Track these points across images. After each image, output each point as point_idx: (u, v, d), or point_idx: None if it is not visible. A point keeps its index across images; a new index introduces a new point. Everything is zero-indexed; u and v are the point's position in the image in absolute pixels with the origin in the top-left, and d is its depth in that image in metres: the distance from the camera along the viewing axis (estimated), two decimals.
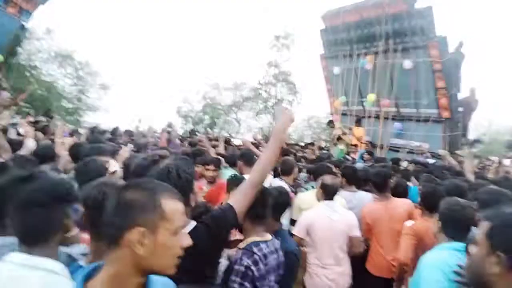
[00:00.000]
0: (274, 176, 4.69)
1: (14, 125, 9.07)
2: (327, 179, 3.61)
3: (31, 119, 11.79)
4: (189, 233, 1.61)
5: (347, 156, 9.86)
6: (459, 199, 2.44)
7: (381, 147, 12.02)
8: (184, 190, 1.67)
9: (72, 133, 7.98)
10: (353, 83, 12.83)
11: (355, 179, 4.53)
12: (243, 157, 4.51)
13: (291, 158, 5.20)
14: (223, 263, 2.23)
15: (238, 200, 1.91)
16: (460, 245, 2.08)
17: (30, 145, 4.36)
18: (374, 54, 12.05)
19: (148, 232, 1.05)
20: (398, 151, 11.63)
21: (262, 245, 2.21)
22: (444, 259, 2.01)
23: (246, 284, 2.05)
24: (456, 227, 2.22)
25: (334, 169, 4.65)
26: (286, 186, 3.70)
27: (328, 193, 3.57)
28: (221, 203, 4.59)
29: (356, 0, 12.53)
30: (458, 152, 11.11)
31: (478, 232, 1.38)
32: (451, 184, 3.46)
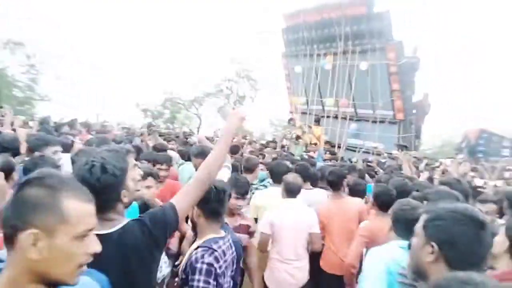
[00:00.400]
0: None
1: None
2: (289, 177, 3.67)
3: None
4: (119, 230, 1.59)
5: (306, 155, 10.01)
6: (411, 200, 2.57)
7: (339, 147, 12.30)
8: (110, 186, 1.60)
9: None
10: (313, 83, 13.03)
11: (309, 177, 4.58)
12: (199, 155, 4.44)
13: (254, 156, 5.25)
14: (164, 269, 2.19)
15: (182, 199, 1.82)
16: (406, 243, 2.17)
17: None
18: (333, 55, 12.28)
19: (44, 234, 0.94)
20: (354, 150, 11.95)
21: (220, 242, 2.20)
22: (388, 253, 2.12)
23: (211, 281, 2.01)
24: (405, 227, 2.29)
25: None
26: None
27: (290, 191, 3.63)
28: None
29: (317, 1, 12.73)
30: (411, 153, 11.62)
31: (418, 224, 1.49)
32: (397, 182, 3.60)
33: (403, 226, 2.30)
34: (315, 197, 4.33)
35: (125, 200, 1.68)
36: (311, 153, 10.54)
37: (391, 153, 11.04)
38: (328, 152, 9.22)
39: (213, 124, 24.37)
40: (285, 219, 3.53)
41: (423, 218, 1.46)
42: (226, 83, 23.56)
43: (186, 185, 1.88)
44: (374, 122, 11.96)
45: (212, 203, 2.19)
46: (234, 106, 23.53)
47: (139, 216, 1.71)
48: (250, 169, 4.47)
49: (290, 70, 14.06)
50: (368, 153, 11.52)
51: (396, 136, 11.54)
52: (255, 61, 22.98)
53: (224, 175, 2.04)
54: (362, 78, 11.72)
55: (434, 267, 1.38)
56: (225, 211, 2.37)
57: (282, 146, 11.72)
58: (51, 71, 21.90)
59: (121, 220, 1.65)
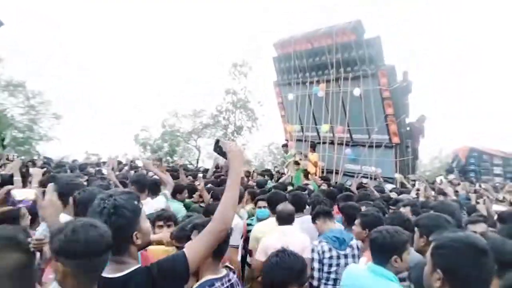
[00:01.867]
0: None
1: None
2: (279, 206, 3.93)
3: None
4: (127, 275, 1.56)
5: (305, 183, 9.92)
6: (389, 227, 2.59)
7: (336, 173, 12.20)
8: (121, 228, 1.59)
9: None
10: (307, 110, 13.06)
11: (302, 205, 4.66)
12: (134, 183, 4.42)
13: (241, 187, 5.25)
14: None
15: (196, 247, 1.75)
16: (376, 267, 2.35)
17: None
18: (326, 82, 12.35)
19: None
20: (352, 176, 11.84)
21: (217, 283, 2.13)
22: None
23: None
24: (378, 252, 2.41)
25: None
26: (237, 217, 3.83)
27: (282, 218, 3.86)
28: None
29: (306, 29, 12.93)
30: (409, 176, 11.51)
31: (428, 252, 1.61)
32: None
33: (377, 252, 2.47)
34: (309, 223, 4.36)
35: (138, 242, 1.67)
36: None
37: (388, 178, 10.94)
38: (322, 180, 9.12)
39: (212, 155, 24.48)
40: (278, 244, 3.53)
41: (431, 246, 1.58)
42: (223, 114, 23.73)
43: (203, 232, 1.82)
44: (371, 147, 11.89)
45: (219, 245, 2.19)
46: (228, 139, 23.62)
47: (150, 264, 1.67)
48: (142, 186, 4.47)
49: (283, 98, 14.13)
50: (366, 177, 11.40)
51: (393, 160, 11.45)
52: (249, 91, 23.25)
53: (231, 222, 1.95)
54: (356, 104, 11.74)
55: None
56: (227, 250, 2.34)
57: (281, 173, 11.71)
58: (50, 110, 22.15)
59: (132, 264, 1.63)
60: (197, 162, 23.16)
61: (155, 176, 5.28)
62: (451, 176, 11.50)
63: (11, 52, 20.05)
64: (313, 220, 3.99)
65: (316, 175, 11.56)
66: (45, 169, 6.02)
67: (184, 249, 1.73)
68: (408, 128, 11.92)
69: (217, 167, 12.43)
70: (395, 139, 11.43)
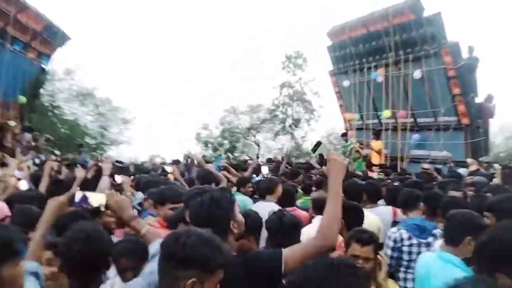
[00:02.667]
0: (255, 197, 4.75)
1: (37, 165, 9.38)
2: (314, 194, 3.97)
3: (53, 157, 12.18)
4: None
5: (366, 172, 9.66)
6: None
7: (402, 159, 11.73)
8: (219, 218, 1.72)
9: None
10: (366, 97, 12.69)
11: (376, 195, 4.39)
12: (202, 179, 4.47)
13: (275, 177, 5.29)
14: None
15: (296, 252, 1.72)
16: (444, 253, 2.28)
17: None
18: (385, 66, 11.91)
19: None
20: (419, 162, 11.31)
21: None
22: None
23: None
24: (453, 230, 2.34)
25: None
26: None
27: (315, 208, 3.71)
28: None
29: (361, 14, 12.53)
30: (482, 158, 10.76)
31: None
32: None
33: None
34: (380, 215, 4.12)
35: (235, 231, 1.79)
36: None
37: (459, 161, 10.32)
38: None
39: (272, 149, 24.62)
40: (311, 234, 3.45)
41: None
42: (280, 108, 23.72)
43: (309, 239, 1.86)
44: (438, 130, 11.30)
45: (279, 236, 2.37)
46: (287, 132, 23.55)
47: (239, 255, 1.76)
48: (271, 189, 4.38)
49: (340, 87, 13.84)
50: (434, 163, 10.86)
51: (463, 142, 10.80)
52: (304, 83, 23.01)
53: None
54: (419, 86, 11.22)
55: None
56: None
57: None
58: (118, 115, 23.48)
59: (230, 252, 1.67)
60: (257, 157, 23.40)
61: None
62: None
63: (79, 63, 21.42)
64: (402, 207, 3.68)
65: (379, 164, 11.21)
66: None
67: (282, 249, 1.71)
68: (477, 108, 11.16)
69: (273, 159, 12.51)
70: (465, 120, 10.76)
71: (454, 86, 10.57)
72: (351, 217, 2.85)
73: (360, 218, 3.12)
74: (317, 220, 3.64)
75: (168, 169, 5.86)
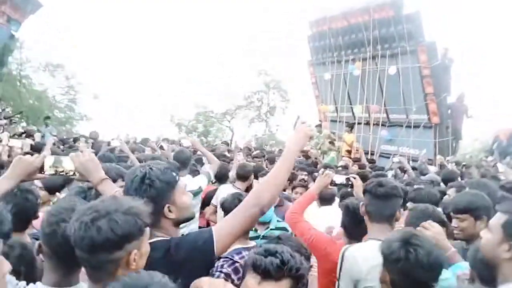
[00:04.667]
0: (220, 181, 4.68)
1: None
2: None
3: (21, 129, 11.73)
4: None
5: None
6: None
7: (372, 154, 11.93)
8: (150, 199, 1.48)
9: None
10: (342, 90, 12.78)
11: None
12: (178, 160, 4.24)
13: (248, 163, 5.16)
14: None
15: (225, 225, 1.59)
16: None
17: None
18: (362, 60, 12.01)
19: None
20: (389, 157, 11.54)
21: (244, 253, 2.13)
22: None
23: None
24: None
25: None
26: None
27: (322, 199, 3.71)
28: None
29: (342, 6, 12.55)
30: (449, 158, 11.07)
31: (493, 221, 1.66)
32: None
33: None
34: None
35: (172, 216, 1.56)
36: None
37: (430, 159, 10.56)
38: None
39: (245, 136, 24.57)
40: (319, 227, 3.48)
41: (501, 217, 1.61)
42: (256, 95, 23.65)
43: (239, 207, 1.63)
44: (408, 127, 11.53)
45: None
46: (262, 120, 23.55)
47: (170, 237, 1.55)
48: (244, 176, 4.32)
49: (317, 78, 13.88)
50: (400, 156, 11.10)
51: (432, 140, 11.07)
52: (282, 71, 22.98)
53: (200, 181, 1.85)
54: (393, 82, 11.38)
55: (509, 263, 1.53)
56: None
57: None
58: (89, 90, 22.81)
59: (161, 237, 1.52)
60: (231, 143, 23.33)
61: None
62: (490, 158, 10.97)
63: (51, 33, 20.58)
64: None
65: (350, 156, 11.35)
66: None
67: (212, 227, 1.60)
68: (449, 109, 11.44)
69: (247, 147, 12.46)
70: (435, 119, 11.03)
71: (427, 84, 10.79)
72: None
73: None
74: (322, 210, 3.68)
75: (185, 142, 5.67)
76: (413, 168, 7.92)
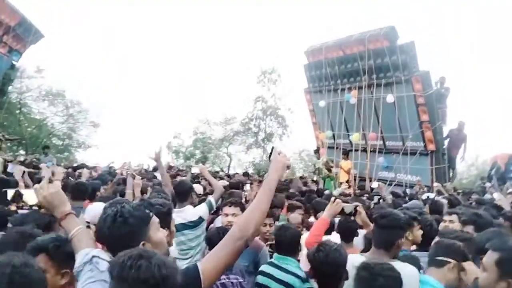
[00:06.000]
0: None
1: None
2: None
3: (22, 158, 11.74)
4: None
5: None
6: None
7: (370, 180, 12.00)
8: (123, 236, 1.47)
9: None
10: (338, 117, 12.97)
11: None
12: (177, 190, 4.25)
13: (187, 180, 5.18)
14: None
15: (210, 258, 1.55)
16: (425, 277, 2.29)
17: None
18: (358, 89, 12.24)
19: None
20: (385, 183, 11.61)
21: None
22: None
23: None
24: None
25: None
26: None
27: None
28: None
29: (338, 36, 12.89)
30: (446, 184, 11.14)
31: (486, 260, 1.65)
32: None
33: None
34: None
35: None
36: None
37: (427, 186, 10.65)
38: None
39: (243, 162, 24.64)
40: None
41: (493, 255, 1.61)
42: (253, 121, 23.83)
43: (224, 240, 1.59)
44: (405, 154, 11.65)
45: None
46: (259, 146, 23.61)
47: None
48: (183, 194, 4.24)
49: (314, 106, 14.10)
50: (401, 185, 11.20)
51: (428, 167, 11.18)
52: (278, 99, 23.24)
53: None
54: (389, 110, 11.56)
55: None
56: None
57: (314, 181, 11.62)
58: (88, 118, 22.93)
59: None
60: (228, 169, 23.34)
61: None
62: (488, 184, 11.04)
63: (51, 62, 20.92)
64: None
65: (348, 183, 11.44)
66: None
67: (197, 263, 1.52)
68: (447, 137, 11.59)
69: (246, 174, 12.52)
70: (431, 146, 11.17)
71: (422, 112, 10.96)
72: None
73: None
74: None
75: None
76: (396, 194, 8.02)
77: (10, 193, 1.82)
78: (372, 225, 3.01)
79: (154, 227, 1.58)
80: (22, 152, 17.66)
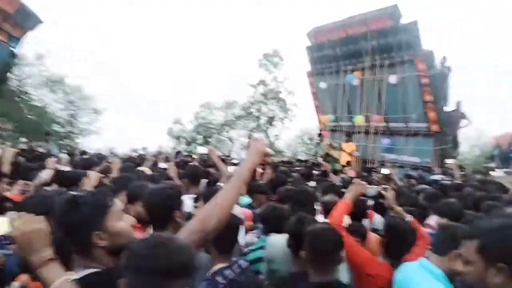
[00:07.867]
0: None
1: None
2: (326, 198, 3.71)
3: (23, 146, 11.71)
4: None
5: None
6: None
7: (372, 162, 11.99)
8: (73, 227, 1.37)
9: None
10: (341, 99, 12.88)
11: None
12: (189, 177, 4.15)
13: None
14: None
15: None
16: (426, 262, 2.17)
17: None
18: (361, 70, 12.13)
19: None
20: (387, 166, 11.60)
21: (226, 272, 2.12)
22: None
23: None
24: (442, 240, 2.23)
25: None
26: None
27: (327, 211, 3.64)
28: None
29: (341, 17, 12.71)
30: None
31: (465, 251, 1.47)
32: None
33: None
34: None
35: (102, 244, 1.39)
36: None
37: (426, 167, 10.65)
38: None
39: (245, 146, 24.63)
40: None
41: (473, 244, 1.43)
42: (255, 105, 23.74)
43: (189, 224, 1.50)
44: (408, 135, 11.60)
45: (224, 242, 2.12)
46: (261, 130, 23.55)
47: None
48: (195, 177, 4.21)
49: (317, 88, 13.98)
50: (403, 167, 11.17)
51: (432, 148, 11.13)
52: (280, 82, 23.10)
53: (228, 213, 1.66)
54: (392, 91, 11.47)
55: (503, 286, 1.38)
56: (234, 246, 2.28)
57: (319, 165, 11.58)
58: (89, 104, 22.88)
59: (83, 270, 1.36)
60: (230, 154, 23.38)
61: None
62: (491, 165, 11.02)
63: (50, 49, 20.74)
64: None
65: (351, 165, 11.39)
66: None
67: None
68: (447, 116, 11.50)
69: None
70: (434, 127, 11.10)
71: (426, 93, 10.87)
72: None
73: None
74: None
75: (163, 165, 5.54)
76: (410, 177, 7.99)
77: None
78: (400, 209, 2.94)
79: (114, 216, 1.45)
80: (23, 139, 17.61)
